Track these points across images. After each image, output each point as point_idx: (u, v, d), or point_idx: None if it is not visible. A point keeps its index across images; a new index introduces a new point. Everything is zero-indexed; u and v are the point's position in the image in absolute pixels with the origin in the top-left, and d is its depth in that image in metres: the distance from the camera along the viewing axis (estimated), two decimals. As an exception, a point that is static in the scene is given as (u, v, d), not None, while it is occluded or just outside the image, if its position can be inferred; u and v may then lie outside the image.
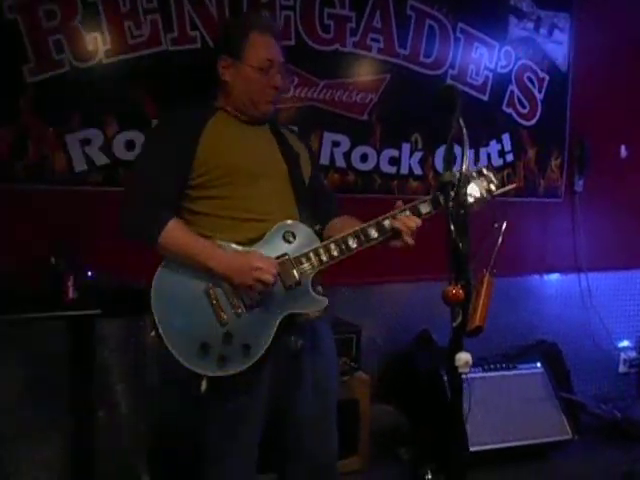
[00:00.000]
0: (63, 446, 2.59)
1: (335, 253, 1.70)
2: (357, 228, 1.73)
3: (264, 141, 1.84)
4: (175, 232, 1.67)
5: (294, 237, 1.72)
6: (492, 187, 1.77)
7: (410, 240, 1.70)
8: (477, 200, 1.74)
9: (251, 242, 1.71)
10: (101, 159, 2.71)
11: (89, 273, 2.50)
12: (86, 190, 2.69)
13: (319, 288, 1.76)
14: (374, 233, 1.72)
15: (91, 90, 2.67)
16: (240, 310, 1.67)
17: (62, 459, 2.61)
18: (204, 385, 1.63)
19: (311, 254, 1.70)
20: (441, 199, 1.69)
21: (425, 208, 1.74)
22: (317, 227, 1.81)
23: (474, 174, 1.76)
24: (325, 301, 1.73)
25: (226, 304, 1.67)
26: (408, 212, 1.73)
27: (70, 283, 2.37)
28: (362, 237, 1.71)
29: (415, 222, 1.71)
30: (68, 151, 2.65)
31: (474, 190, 1.74)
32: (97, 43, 2.65)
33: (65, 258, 2.42)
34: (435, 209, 1.73)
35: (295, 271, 1.69)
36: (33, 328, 2.51)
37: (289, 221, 1.74)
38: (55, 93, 2.61)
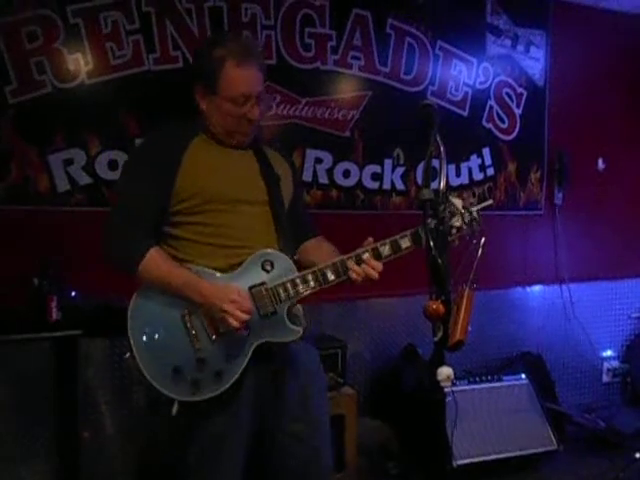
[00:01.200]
0: (48, 468, 2.56)
1: (312, 284, 1.71)
2: (336, 260, 1.73)
3: (245, 165, 1.83)
4: (154, 261, 1.67)
5: (272, 266, 1.72)
6: (475, 225, 1.74)
7: (359, 281, 1.71)
8: (458, 232, 1.74)
9: (230, 268, 1.72)
10: (84, 179, 2.71)
11: (73, 293, 2.49)
12: (69, 210, 2.69)
13: (298, 311, 1.78)
14: (352, 265, 1.72)
15: (73, 110, 2.68)
16: (214, 337, 1.68)
17: (46, 482, 2.59)
18: (175, 408, 1.64)
19: (288, 284, 1.71)
20: (421, 232, 1.69)
21: (405, 243, 1.73)
22: (296, 257, 1.81)
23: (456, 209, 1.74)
24: (300, 331, 1.73)
25: (201, 330, 1.68)
26: (388, 246, 1.73)
27: (53, 304, 2.36)
28: (340, 270, 1.72)
29: (376, 268, 1.70)
30: (51, 171, 2.66)
31: (455, 222, 1.74)
32: (79, 64, 2.67)
33: (48, 279, 2.41)
34: (415, 244, 1.73)
35: (271, 300, 1.70)
36: (16, 349, 2.49)
37: (269, 250, 1.74)
38: (37, 114, 2.62)
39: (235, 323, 1.62)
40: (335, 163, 3.23)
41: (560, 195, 3.82)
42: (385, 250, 1.73)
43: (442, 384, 1.40)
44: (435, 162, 1.50)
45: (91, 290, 2.47)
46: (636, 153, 4.06)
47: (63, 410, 2.45)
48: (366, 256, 1.72)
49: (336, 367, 2.91)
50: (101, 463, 2.72)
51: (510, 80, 3.67)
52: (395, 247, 1.74)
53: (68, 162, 2.68)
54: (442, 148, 1.48)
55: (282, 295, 1.70)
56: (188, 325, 1.67)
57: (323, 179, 3.21)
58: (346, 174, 3.26)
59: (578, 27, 3.82)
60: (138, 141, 2.74)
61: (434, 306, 1.37)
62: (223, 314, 1.62)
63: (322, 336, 3.03)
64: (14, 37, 2.56)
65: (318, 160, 3.19)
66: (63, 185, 2.68)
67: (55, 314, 2.37)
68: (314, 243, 1.94)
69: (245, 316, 1.63)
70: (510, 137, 3.70)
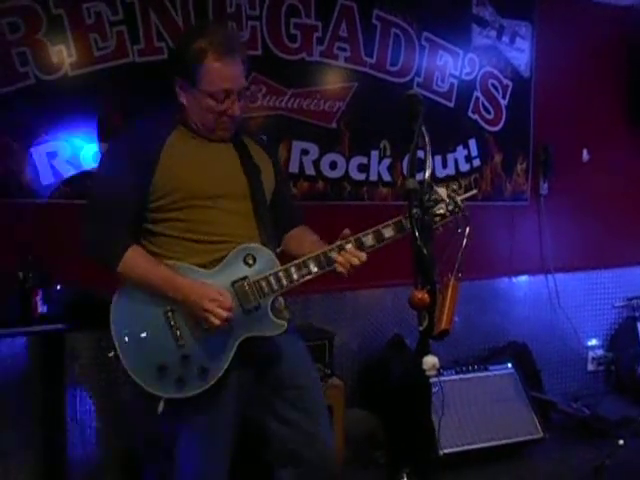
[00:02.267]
0: (34, 463, 2.55)
1: (295, 277, 1.71)
2: (319, 252, 1.73)
3: (225, 158, 1.81)
4: (133, 261, 1.67)
5: (254, 260, 1.72)
6: (458, 200, 1.76)
7: (345, 273, 1.71)
8: (443, 220, 1.75)
9: (212, 264, 1.71)
10: (68, 172, 2.68)
11: (58, 287, 2.47)
12: (53, 203, 2.66)
13: (280, 304, 1.76)
14: (336, 256, 1.72)
15: (57, 102, 2.64)
16: (198, 334, 1.67)
17: (34, 477, 2.57)
18: (161, 406, 1.64)
19: (271, 278, 1.70)
20: (405, 222, 1.71)
21: (388, 232, 1.74)
22: (278, 250, 1.80)
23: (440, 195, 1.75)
24: (284, 325, 1.73)
25: (184, 327, 1.67)
26: (371, 236, 1.73)
27: (38, 298, 2.34)
28: (323, 261, 1.72)
29: (359, 258, 1.71)
30: (34, 164, 2.63)
31: (440, 209, 1.75)
32: (62, 55, 2.63)
33: (33, 273, 2.39)
34: (398, 232, 1.73)
35: (254, 295, 1.69)
36: (1, 343, 2.47)
37: (250, 244, 1.73)
38: (20, 106, 2.59)
39: (216, 321, 1.62)
40: (321, 154, 3.22)
41: (545, 186, 3.85)
42: (368, 240, 1.73)
43: (428, 373, 1.41)
44: (421, 153, 1.51)
45: (77, 283, 2.45)
46: (620, 144, 4.08)
47: (49, 405, 2.44)
48: (349, 247, 1.72)
49: (323, 358, 2.91)
50: (88, 458, 2.71)
51: (496, 71, 3.67)
52: (378, 237, 1.74)
53: (52, 155, 2.65)
54: (427, 138, 1.49)
55: (265, 289, 1.70)
56: (171, 322, 1.67)
57: (310, 170, 3.20)
58: (333, 165, 3.26)
59: (563, 18, 3.83)
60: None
61: (419, 295, 1.38)
62: (204, 313, 1.62)
63: (309, 327, 3.04)
64: (-5, 28, 2.53)
65: (304, 152, 3.18)
66: (47, 178, 2.65)
67: (40, 308, 2.35)
68: (298, 232, 1.93)
69: (226, 314, 1.62)
70: (496, 128, 3.71)
